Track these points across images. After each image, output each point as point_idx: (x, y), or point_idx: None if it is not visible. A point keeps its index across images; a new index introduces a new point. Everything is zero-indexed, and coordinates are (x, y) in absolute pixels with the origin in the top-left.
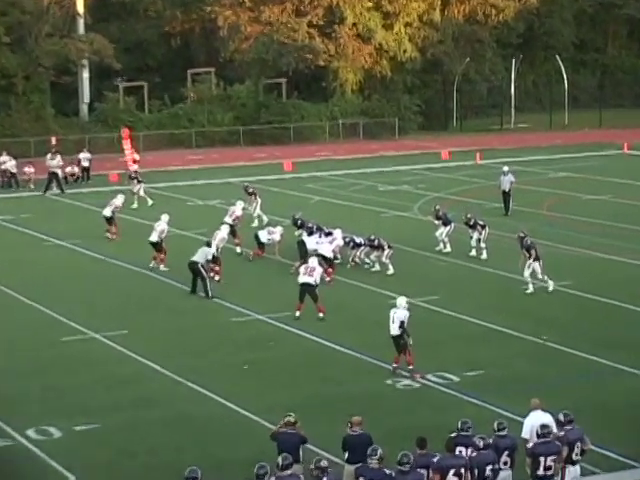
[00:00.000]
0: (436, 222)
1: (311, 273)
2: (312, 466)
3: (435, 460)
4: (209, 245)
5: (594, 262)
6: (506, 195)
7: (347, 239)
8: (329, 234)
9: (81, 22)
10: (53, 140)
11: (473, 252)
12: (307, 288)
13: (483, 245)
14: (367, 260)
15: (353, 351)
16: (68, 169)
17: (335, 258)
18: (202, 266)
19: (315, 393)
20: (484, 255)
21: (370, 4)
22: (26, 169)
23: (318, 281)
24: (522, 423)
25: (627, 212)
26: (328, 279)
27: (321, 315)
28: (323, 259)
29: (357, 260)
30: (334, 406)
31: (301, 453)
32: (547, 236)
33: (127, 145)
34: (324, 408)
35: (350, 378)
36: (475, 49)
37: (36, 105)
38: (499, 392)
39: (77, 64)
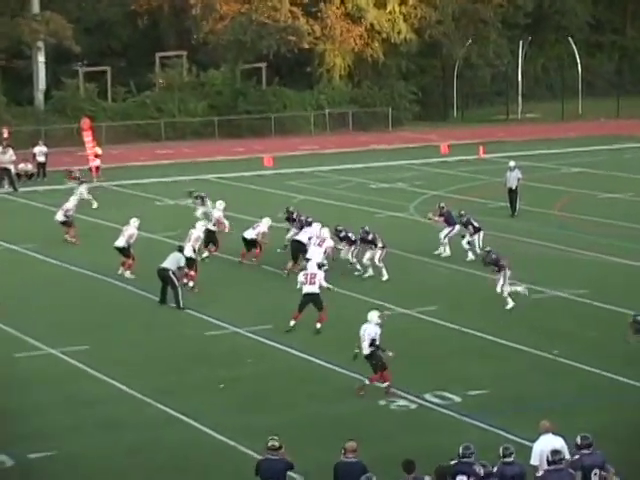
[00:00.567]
0: (436, 218)
1: (313, 280)
2: None
3: None
4: (181, 250)
5: (611, 268)
6: (512, 193)
7: (342, 234)
8: (309, 224)
9: None
10: (5, 132)
11: (471, 256)
12: (312, 298)
13: (467, 246)
14: (358, 266)
15: (342, 368)
16: (21, 165)
17: (322, 265)
18: (173, 273)
19: (301, 414)
20: (470, 256)
21: None
22: None
23: (324, 284)
24: (531, 448)
25: None
26: None
27: (318, 326)
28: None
29: (352, 261)
30: (322, 429)
31: None
32: (558, 239)
33: (88, 138)
34: (311, 431)
35: (339, 398)
36: (478, 30)
37: None
38: (505, 414)
39: (31, 47)
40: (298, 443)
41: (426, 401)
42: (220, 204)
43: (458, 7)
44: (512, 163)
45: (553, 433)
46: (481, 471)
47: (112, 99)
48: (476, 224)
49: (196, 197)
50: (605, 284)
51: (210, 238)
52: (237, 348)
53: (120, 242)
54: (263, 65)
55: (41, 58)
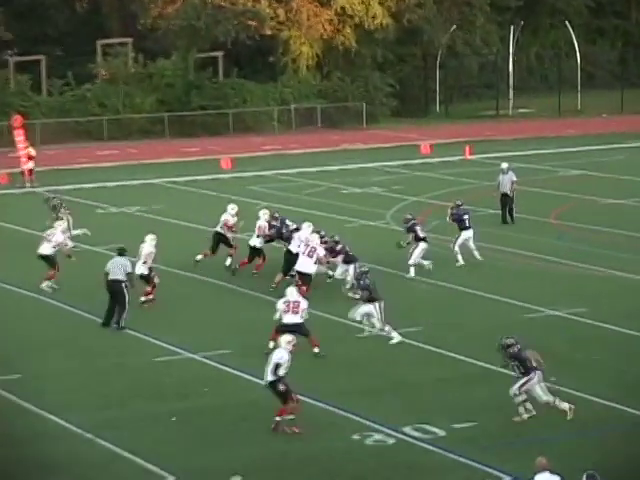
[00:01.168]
0: (448, 220)
1: (296, 310)
2: None
3: None
4: (121, 253)
5: (615, 284)
6: (506, 199)
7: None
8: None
9: None
10: None
11: (460, 260)
12: (293, 328)
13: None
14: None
15: (311, 399)
16: None
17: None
18: (126, 286)
19: (265, 452)
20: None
21: None
22: None
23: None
24: None
25: None
26: None
27: (317, 350)
28: (302, 276)
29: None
30: (287, 468)
31: None
32: (555, 251)
33: (20, 137)
34: (275, 471)
35: (308, 432)
36: (463, 14)
37: None
38: (496, 449)
39: None
40: None
41: (406, 435)
42: (232, 208)
43: None
44: (505, 165)
45: (550, 471)
46: None
47: (47, 93)
48: (421, 234)
49: (53, 205)
50: (607, 302)
51: (220, 242)
52: (192, 376)
53: (45, 250)
54: (219, 54)
55: None
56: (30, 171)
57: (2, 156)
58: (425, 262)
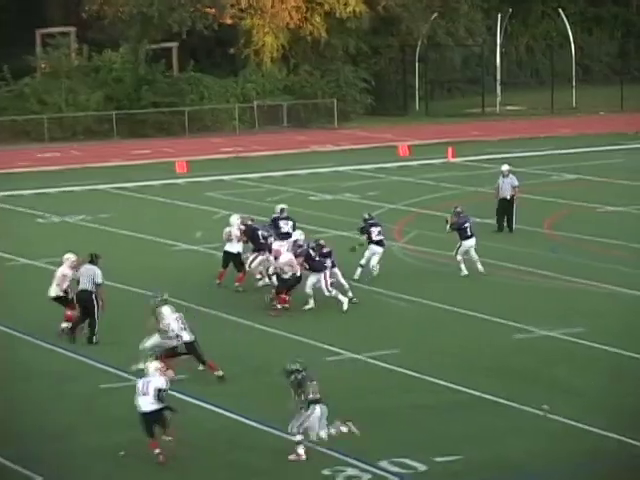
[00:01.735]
0: (448, 229)
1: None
2: None
3: None
4: (93, 261)
5: (615, 301)
6: (506, 205)
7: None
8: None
9: None
10: None
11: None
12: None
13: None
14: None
15: (275, 429)
16: None
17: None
18: (95, 296)
19: None
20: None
21: None
22: None
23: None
24: None
25: None
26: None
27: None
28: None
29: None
30: None
31: None
32: (548, 264)
33: None
34: None
35: (272, 467)
36: (446, 1)
37: None
38: None
39: None
40: None
41: (382, 470)
42: (236, 218)
43: None
44: (505, 167)
45: None
46: None
47: None
48: (377, 237)
49: None
50: (607, 321)
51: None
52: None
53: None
54: (174, 45)
55: None
56: None
57: None
58: (374, 267)
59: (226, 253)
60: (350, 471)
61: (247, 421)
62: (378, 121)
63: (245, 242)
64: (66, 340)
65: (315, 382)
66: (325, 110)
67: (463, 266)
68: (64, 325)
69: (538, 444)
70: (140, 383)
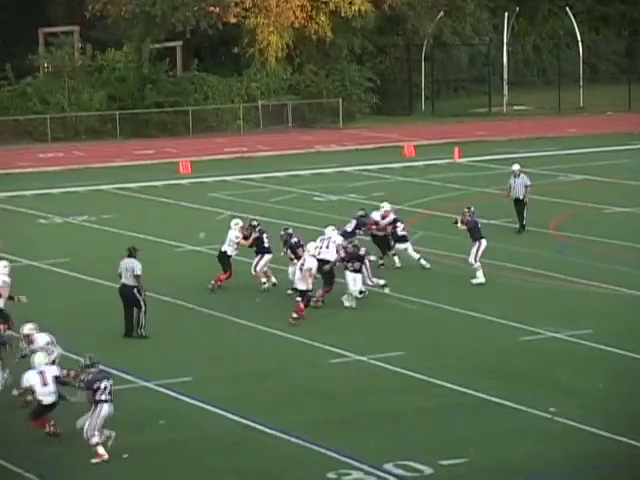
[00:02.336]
0: (460, 226)
1: None
2: None
3: None
4: (131, 255)
5: (622, 302)
6: (520, 205)
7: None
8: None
9: None
10: None
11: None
12: None
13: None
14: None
15: (280, 432)
16: None
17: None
18: (138, 290)
19: None
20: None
21: None
22: None
23: None
24: None
25: None
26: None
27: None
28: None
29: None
30: None
31: None
32: (555, 266)
33: None
34: None
35: (279, 470)
36: (452, 0)
37: None
38: None
39: None
40: None
41: (387, 473)
42: (236, 223)
43: None
44: (516, 167)
45: None
46: None
47: None
48: (402, 232)
49: None
50: (612, 322)
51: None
52: (145, 408)
53: None
54: (178, 44)
55: None
56: None
57: None
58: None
59: (221, 253)
60: (355, 474)
61: (251, 423)
62: (383, 121)
63: (250, 246)
64: None
65: (111, 382)
66: (330, 110)
67: (481, 273)
68: None
69: (542, 446)
70: (37, 376)
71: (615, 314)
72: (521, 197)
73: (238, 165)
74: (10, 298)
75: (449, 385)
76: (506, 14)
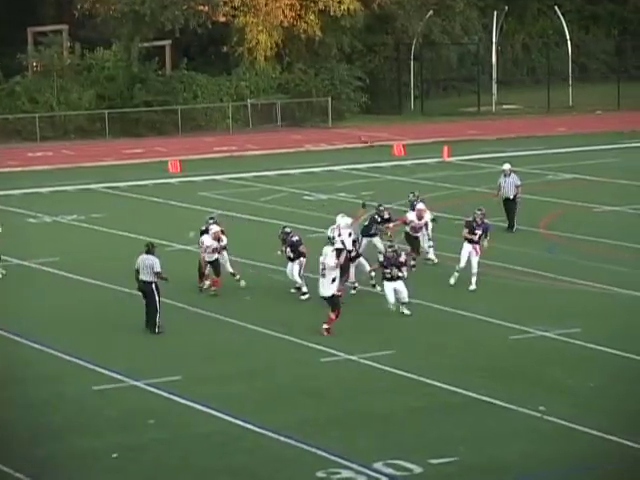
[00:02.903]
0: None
1: None
2: None
3: None
4: (150, 251)
5: (612, 301)
6: (510, 205)
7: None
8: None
9: None
10: None
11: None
12: None
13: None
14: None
15: (272, 432)
16: None
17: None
18: (156, 286)
19: None
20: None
21: None
22: None
23: None
24: None
25: None
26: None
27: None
28: None
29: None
30: None
31: None
32: (545, 264)
33: None
34: None
35: (270, 469)
36: None
37: None
38: None
39: None
40: None
41: (377, 472)
42: (214, 228)
43: None
44: (507, 166)
45: None
46: None
47: None
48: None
49: None
50: (603, 321)
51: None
52: (135, 406)
53: None
54: (167, 43)
55: None
56: None
57: None
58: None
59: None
60: (345, 473)
61: (241, 423)
62: (373, 120)
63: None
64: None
65: None
66: (319, 109)
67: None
68: None
69: (534, 446)
70: None
71: (604, 313)
72: (511, 197)
73: (227, 164)
74: None
75: (439, 384)
76: (495, 13)
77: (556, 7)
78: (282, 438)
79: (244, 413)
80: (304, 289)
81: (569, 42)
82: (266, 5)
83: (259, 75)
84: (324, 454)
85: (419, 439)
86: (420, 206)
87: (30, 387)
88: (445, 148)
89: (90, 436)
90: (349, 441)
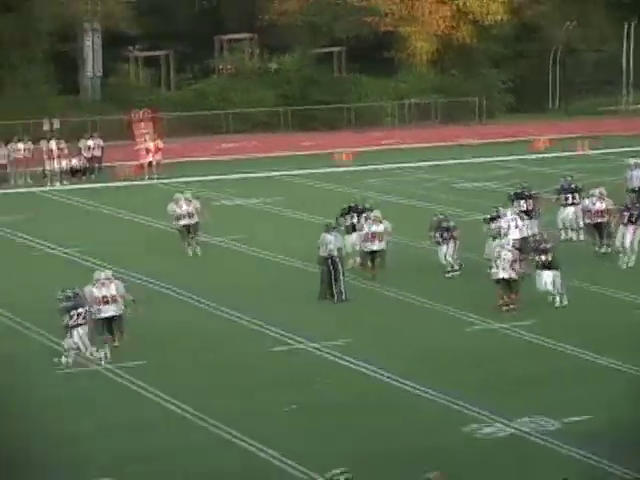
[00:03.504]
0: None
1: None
2: None
3: None
4: (329, 230)
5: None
6: (637, 195)
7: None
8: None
9: None
10: (56, 123)
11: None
12: None
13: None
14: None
15: (421, 391)
16: (66, 161)
17: None
18: (340, 259)
19: (370, 446)
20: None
21: None
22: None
23: None
24: None
25: None
26: None
27: None
28: None
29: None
30: (395, 462)
31: None
32: None
33: (146, 130)
34: (382, 466)
35: (419, 424)
36: (583, 10)
37: (31, 80)
38: (615, 444)
39: (81, 29)
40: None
41: (518, 430)
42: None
43: None
44: (632, 160)
45: None
46: None
47: (167, 87)
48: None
49: None
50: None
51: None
52: (308, 367)
53: None
54: (338, 50)
55: (92, 41)
56: (151, 163)
57: (124, 149)
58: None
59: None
60: (487, 429)
61: (397, 384)
62: (519, 118)
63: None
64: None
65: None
66: (471, 107)
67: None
68: None
69: None
70: None
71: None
72: (637, 188)
73: (390, 155)
74: None
75: (571, 350)
76: (625, 25)
77: None
78: (431, 397)
79: (406, 376)
80: (454, 267)
81: None
82: (425, 15)
83: (418, 78)
84: (468, 412)
85: (556, 400)
86: (601, 190)
87: (219, 349)
88: (583, 142)
89: (269, 392)
90: (493, 400)
